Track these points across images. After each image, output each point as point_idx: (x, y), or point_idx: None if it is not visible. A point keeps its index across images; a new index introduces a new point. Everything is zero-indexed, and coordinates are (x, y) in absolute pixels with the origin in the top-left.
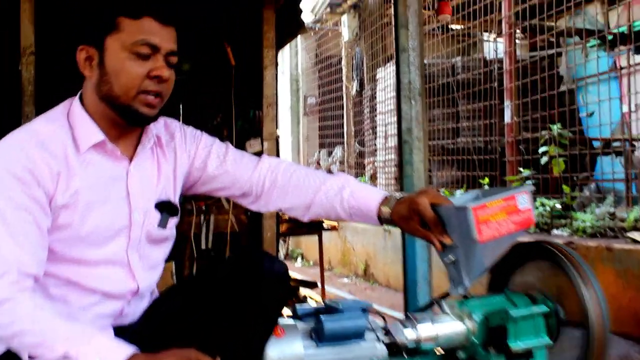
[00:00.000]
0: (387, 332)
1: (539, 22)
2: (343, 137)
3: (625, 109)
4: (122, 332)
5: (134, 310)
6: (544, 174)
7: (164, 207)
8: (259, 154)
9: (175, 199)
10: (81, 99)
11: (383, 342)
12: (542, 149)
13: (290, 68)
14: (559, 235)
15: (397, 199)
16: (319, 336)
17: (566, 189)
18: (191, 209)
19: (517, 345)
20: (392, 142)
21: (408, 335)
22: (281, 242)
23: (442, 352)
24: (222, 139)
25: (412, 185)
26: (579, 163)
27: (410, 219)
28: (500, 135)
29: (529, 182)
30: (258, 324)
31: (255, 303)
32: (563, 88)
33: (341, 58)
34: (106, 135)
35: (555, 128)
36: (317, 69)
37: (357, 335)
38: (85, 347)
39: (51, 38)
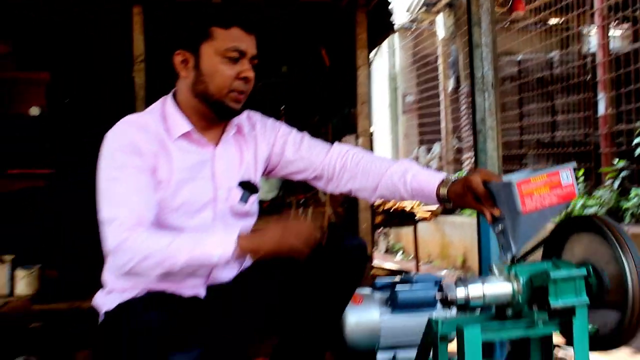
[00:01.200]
0: (441, 289)
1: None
2: (441, 133)
3: None
4: (213, 291)
5: (224, 274)
6: (639, 165)
7: (245, 186)
8: None
9: (256, 180)
10: (174, 96)
11: (437, 298)
12: (637, 140)
13: (388, 67)
14: None
15: (452, 181)
16: (393, 304)
17: None
18: (290, 203)
19: (556, 302)
20: None
21: (458, 293)
22: (382, 236)
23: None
24: (320, 136)
25: None
26: None
27: (465, 195)
28: (595, 128)
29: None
30: (338, 291)
31: (336, 272)
32: None
33: (437, 56)
34: (194, 126)
35: None
36: (414, 68)
37: (428, 304)
38: (204, 247)
39: (159, 47)
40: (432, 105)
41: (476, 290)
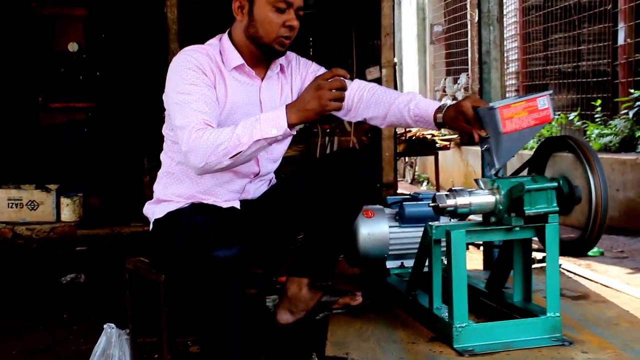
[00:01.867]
0: (434, 199)
1: None
2: (467, 64)
3: None
4: (246, 204)
5: (255, 190)
6: None
7: None
8: (377, 80)
9: None
10: (230, 34)
11: (430, 205)
12: None
13: None
14: None
15: (448, 106)
16: (401, 218)
17: None
18: (317, 132)
19: (530, 210)
20: (514, 67)
21: (448, 202)
22: (408, 167)
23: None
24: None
25: (490, 100)
26: None
27: (457, 118)
28: (614, 58)
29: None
30: (349, 203)
31: (347, 185)
32: None
33: None
34: (246, 61)
35: None
36: None
37: (433, 218)
38: (261, 127)
39: None
40: (459, 36)
41: (463, 200)
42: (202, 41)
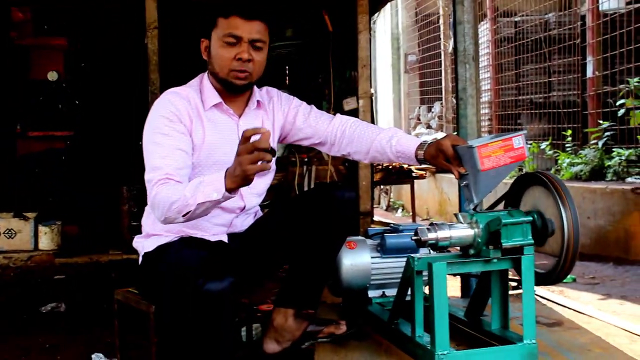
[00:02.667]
0: (416, 233)
1: None
2: (441, 93)
3: None
4: (233, 237)
5: (241, 223)
6: (622, 125)
7: None
8: (354, 111)
9: (274, 144)
10: (209, 73)
11: (412, 238)
12: (620, 102)
13: (391, 27)
14: (632, 182)
15: (428, 144)
16: (383, 249)
17: None
18: (295, 161)
19: (507, 242)
20: (487, 97)
21: (430, 235)
22: (383, 194)
23: (459, 250)
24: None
25: (466, 135)
26: None
27: (437, 156)
28: (583, 90)
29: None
30: (331, 237)
31: (329, 220)
32: None
33: (439, 16)
34: (223, 100)
35: (633, 82)
36: (417, 27)
37: (412, 249)
38: (204, 188)
39: (172, 14)
40: (433, 65)
41: (444, 233)
42: (182, 73)
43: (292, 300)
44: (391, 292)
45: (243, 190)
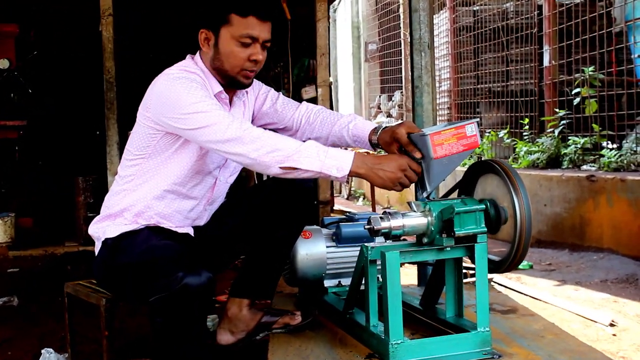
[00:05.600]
0: (369, 222)
1: None
2: (402, 82)
3: None
4: (197, 229)
5: (207, 216)
6: (577, 114)
7: None
8: (313, 99)
9: None
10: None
11: (365, 227)
12: (575, 91)
13: (351, 15)
14: (587, 170)
15: (382, 129)
16: (338, 239)
17: (596, 127)
18: None
19: (460, 231)
20: (446, 85)
21: (383, 224)
22: (345, 183)
23: (414, 239)
24: (282, 86)
25: (422, 123)
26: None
27: (392, 143)
28: (540, 78)
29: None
30: (288, 226)
31: (285, 210)
32: (617, 29)
33: (399, 4)
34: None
35: (588, 71)
36: (377, 16)
37: (368, 238)
38: (326, 160)
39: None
40: (394, 54)
41: (397, 222)
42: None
43: (247, 290)
44: (347, 281)
45: (219, 181)
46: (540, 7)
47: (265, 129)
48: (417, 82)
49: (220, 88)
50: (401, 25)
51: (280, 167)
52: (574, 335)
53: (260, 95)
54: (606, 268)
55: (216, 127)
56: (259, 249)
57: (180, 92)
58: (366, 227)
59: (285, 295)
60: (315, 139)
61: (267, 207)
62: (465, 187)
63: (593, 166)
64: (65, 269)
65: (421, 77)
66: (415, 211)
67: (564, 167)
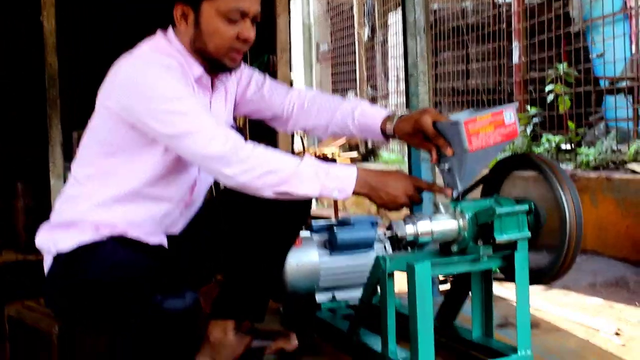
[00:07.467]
0: (390, 227)
1: None
2: (355, 82)
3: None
4: (170, 239)
5: (184, 223)
6: (550, 111)
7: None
8: None
9: (230, 120)
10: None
11: (385, 235)
12: (548, 88)
13: (302, 16)
14: (564, 169)
15: (399, 117)
16: (332, 246)
17: (571, 125)
18: None
19: (501, 237)
20: (404, 85)
21: (408, 230)
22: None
23: (439, 246)
24: None
25: None
26: (585, 101)
27: (415, 135)
28: (509, 76)
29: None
30: (282, 232)
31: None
32: (576, 28)
33: (352, 5)
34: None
35: (561, 67)
36: (329, 16)
37: (366, 245)
38: (327, 182)
39: None
40: (346, 54)
41: (425, 227)
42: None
43: (232, 310)
44: (342, 294)
45: (199, 180)
46: (499, 6)
47: (250, 118)
48: (411, 70)
49: (201, 71)
50: (355, 25)
51: (275, 192)
52: (619, 356)
53: (243, 78)
54: (592, 271)
55: (196, 137)
56: (245, 260)
57: (155, 82)
58: (387, 234)
59: (269, 312)
60: (312, 129)
61: (257, 210)
62: (492, 184)
63: (569, 165)
64: (4, 281)
65: (416, 64)
66: (443, 213)
67: None
